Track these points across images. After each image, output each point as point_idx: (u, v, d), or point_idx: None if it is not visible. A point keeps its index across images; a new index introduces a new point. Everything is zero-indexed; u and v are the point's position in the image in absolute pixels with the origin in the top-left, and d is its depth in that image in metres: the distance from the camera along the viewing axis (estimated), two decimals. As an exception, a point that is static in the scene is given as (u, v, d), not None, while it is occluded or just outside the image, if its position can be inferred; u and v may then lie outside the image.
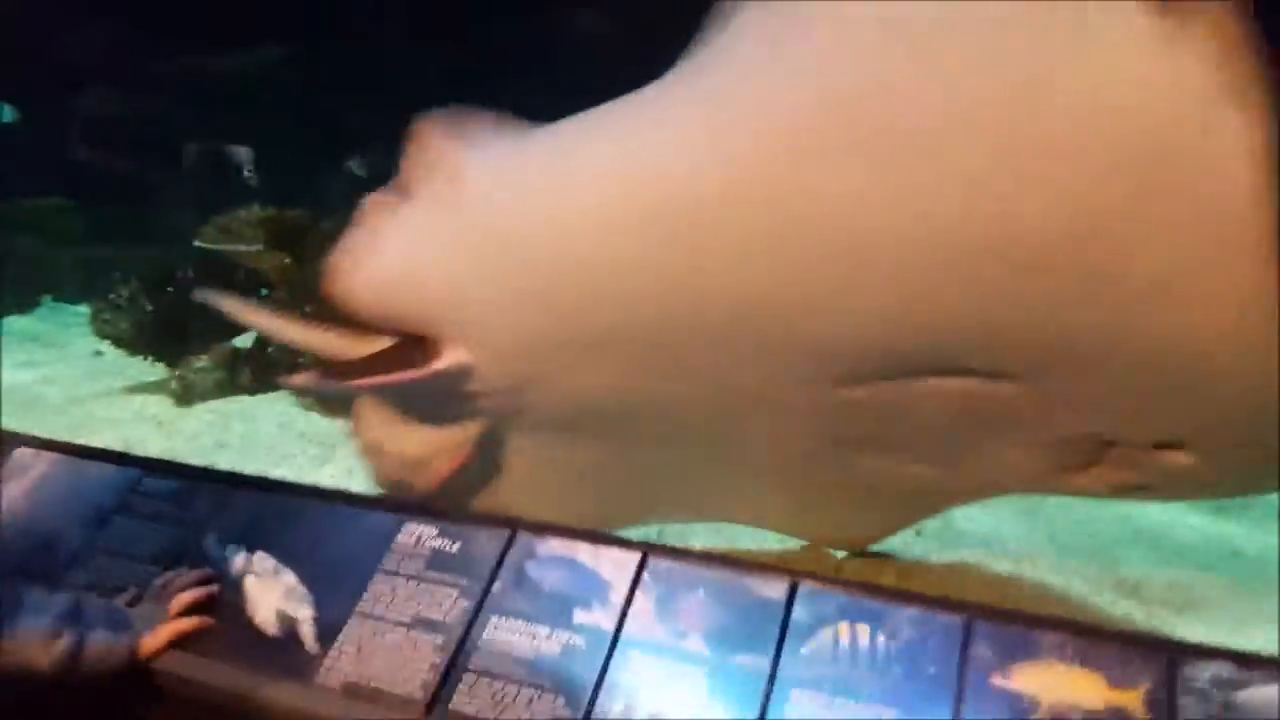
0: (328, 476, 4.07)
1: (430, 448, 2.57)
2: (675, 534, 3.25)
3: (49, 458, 2.51)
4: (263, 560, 2.11)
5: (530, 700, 1.78)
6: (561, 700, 1.76)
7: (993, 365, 1.92)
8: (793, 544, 3.22)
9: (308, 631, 1.97)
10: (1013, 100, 1.56)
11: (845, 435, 2.29)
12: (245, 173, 8.05)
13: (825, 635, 1.76)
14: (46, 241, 8.07)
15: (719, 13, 1.88)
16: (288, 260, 5.42)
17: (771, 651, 1.75)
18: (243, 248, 5.42)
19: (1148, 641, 1.65)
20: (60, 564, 2.21)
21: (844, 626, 1.76)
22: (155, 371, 5.69)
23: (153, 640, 1.92)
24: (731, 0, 1.85)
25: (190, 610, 2.01)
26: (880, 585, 1.88)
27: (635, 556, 1.95)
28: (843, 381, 2.07)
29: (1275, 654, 1.59)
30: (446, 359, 2.37)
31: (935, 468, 2.34)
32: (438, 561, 2.04)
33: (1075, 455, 2.13)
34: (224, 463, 4.07)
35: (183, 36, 7.70)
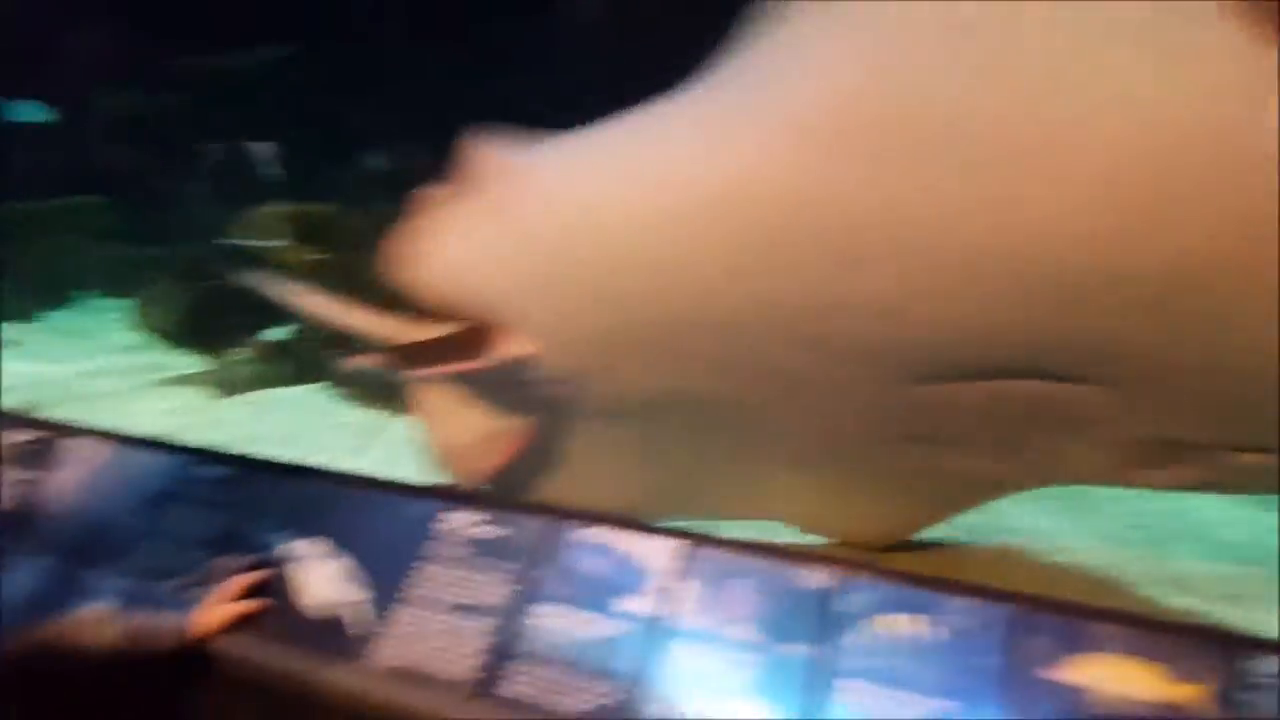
0: (365, 466, 4.10)
1: (489, 433, 2.60)
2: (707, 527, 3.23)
3: (99, 447, 2.55)
4: (313, 545, 2.14)
5: (576, 686, 1.79)
6: (607, 686, 1.77)
7: (1075, 372, 1.90)
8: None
9: (357, 615, 2.00)
10: (1104, 115, 1.53)
11: (907, 431, 2.27)
12: (269, 169, 8.12)
13: (872, 625, 1.74)
14: (79, 238, 8.20)
15: (762, 13, 1.87)
16: (316, 254, 5.48)
17: (818, 641, 1.74)
18: (271, 243, 5.49)
19: (1210, 634, 1.59)
20: (115, 549, 2.25)
21: (891, 617, 1.75)
22: (195, 364, 5.78)
23: (206, 622, 1.96)
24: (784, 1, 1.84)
25: (244, 594, 2.04)
26: (927, 575, 1.85)
27: (680, 544, 1.95)
28: (917, 381, 2.06)
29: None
30: (512, 347, 2.41)
31: (991, 460, 2.32)
32: (483, 547, 2.05)
33: (1150, 454, 2.10)
34: (264, 453, 4.11)
35: (201, 36, 7.81)
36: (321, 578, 2.07)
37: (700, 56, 2.00)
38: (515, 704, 1.78)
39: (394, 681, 1.87)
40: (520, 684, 1.81)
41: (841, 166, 1.77)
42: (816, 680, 1.69)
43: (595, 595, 1.91)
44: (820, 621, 1.77)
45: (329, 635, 1.98)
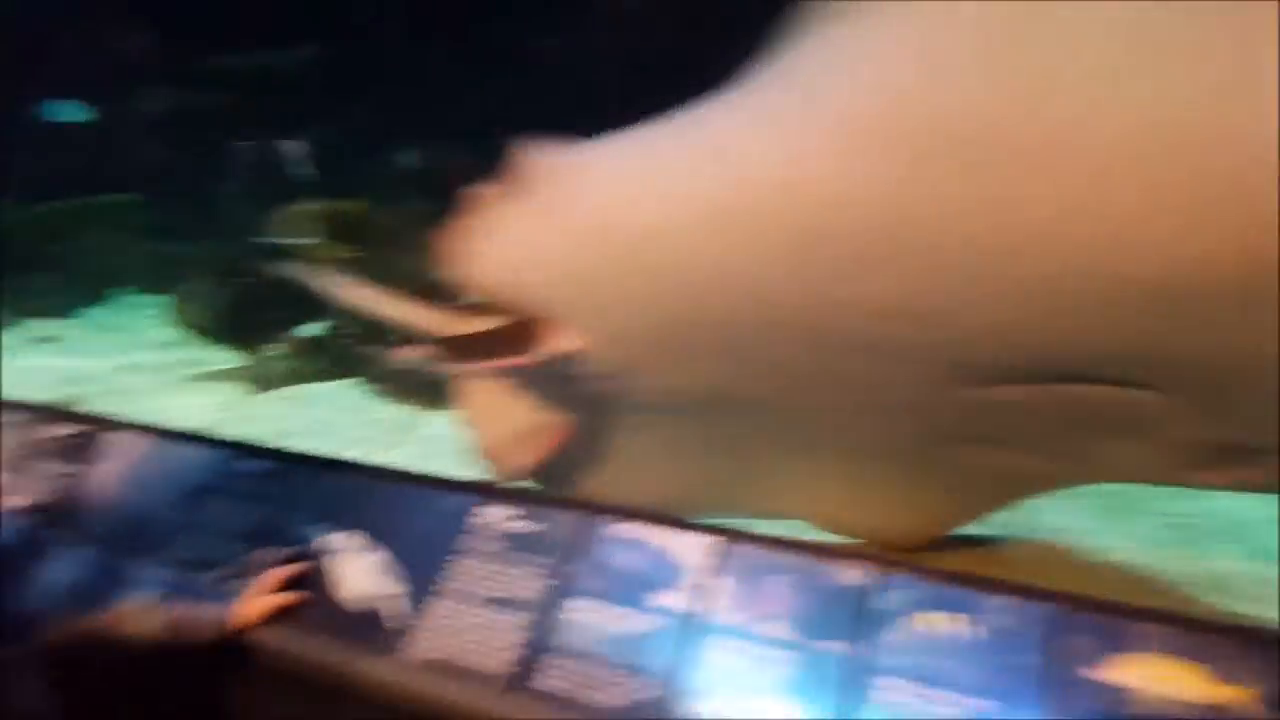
0: (399, 461, 4.13)
1: (532, 427, 2.62)
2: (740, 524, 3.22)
3: (139, 441, 2.60)
4: (350, 538, 2.16)
5: (610, 681, 1.79)
6: (641, 682, 1.77)
7: (1137, 379, 1.88)
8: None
9: (394, 608, 2.01)
10: (1176, 127, 1.51)
11: (961, 432, 2.25)
12: (300, 167, 8.20)
13: (910, 623, 1.73)
14: (117, 235, 8.32)
15: (811, 12, 1.86)
16: (348, 252, 5.53)
17: (855, 639, 1.73)
18: (304, 240, 5.55)
19: (1255, 635, 1.55)
20: (155, 541, 2.29)
21: (930, 614, 1.73)
22: (231, 359, 5.85)
23: (246, 613, 1.98)
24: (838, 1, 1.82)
25: (282, 586, 2.07)
26: (966, 573, 1.83)
27: (715, 540, 1.95)
28: (973, 383, 2.04)
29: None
30: (560, 342, 2.43)
31: (1044, 459, 2.29)
32: (517, 542, 2.06)
33: (1211, 456, 2.06)
34: (299, 448, 4.17)
35: (238, 35, 7.91)
36: (358, 571, 2.09)
37: (749, 55, 1.99)
38: (549, 698, 1.79)
39: (429, 674, 1.89)
40: (554, 678, 1.81)
41: (893, 167, 1.76)
42: (853, 678, 1.68)
43: (630, 590, 1.91)
44: (857, 619, 1.75)
45: (365, 627, 2.00)
